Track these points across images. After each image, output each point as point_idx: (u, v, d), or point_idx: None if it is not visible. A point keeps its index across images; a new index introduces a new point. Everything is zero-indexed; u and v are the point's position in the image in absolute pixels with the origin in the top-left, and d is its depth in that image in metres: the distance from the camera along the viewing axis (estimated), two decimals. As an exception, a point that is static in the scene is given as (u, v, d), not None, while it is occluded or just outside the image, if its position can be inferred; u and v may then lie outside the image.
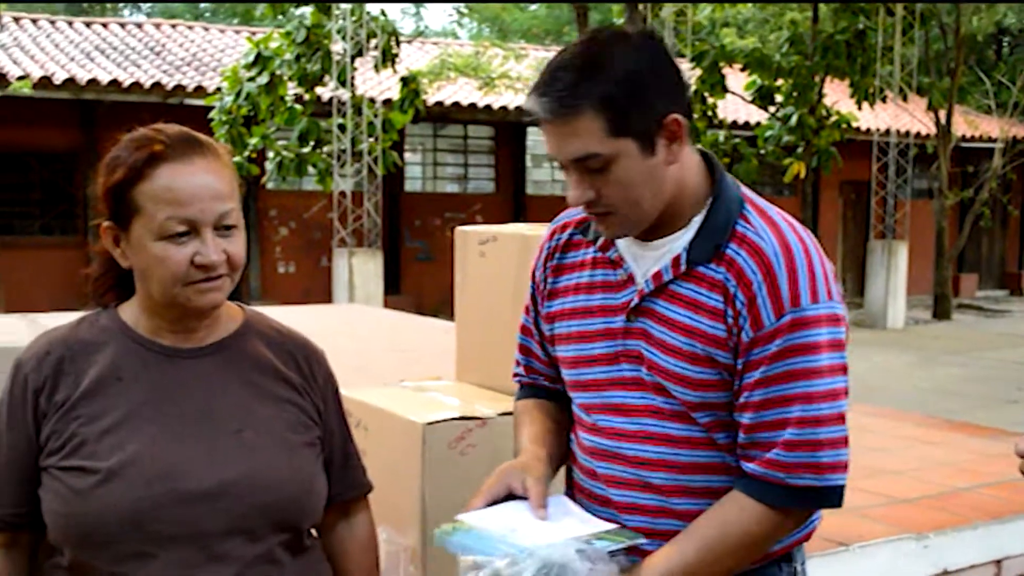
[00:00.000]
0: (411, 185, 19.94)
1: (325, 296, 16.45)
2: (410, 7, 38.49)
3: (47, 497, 1.76)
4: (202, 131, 1.87)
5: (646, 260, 1.92)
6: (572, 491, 2.07)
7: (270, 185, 16.80)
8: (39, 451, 1.77)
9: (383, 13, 15.32)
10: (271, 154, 14.97)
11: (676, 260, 1.87)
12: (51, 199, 16.81)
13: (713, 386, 1.85)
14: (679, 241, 1.88)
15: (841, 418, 1.81)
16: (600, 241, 1.98)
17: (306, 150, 14.94)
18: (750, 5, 20.20)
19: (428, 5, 39.98)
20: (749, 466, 1.82)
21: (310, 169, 15.12)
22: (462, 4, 35.89)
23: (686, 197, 1.88)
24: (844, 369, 1.84)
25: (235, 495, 1.75)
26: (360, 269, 15.26)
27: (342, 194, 15.42)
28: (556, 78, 1.78)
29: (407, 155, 19.43)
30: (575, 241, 2.05)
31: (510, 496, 1.87)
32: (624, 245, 1.95)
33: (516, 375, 2.22)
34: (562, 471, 2.12)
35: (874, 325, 19.02)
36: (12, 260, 15.24)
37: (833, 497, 1.82)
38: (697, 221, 1.88)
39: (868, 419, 5.96)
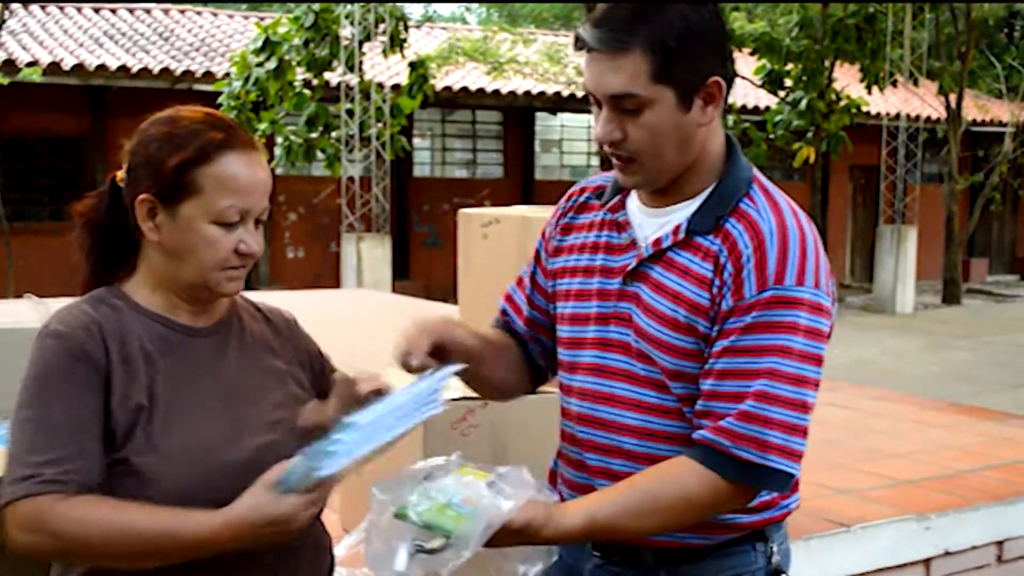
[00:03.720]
0: (420, 170, 19.94)
1: (334, 281, 16.48)
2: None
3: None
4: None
5: (650, 226, 1.94)
6: (557, 459, 2.11)
7: (279, 170, 16.78)
8: (107, 419, 1.75)
9: (391, -2, 15.33)
10: (280, 139, 14.98)
11: (677, 228, 1.89)
12: (61, 185, 16.82)
13: (690, 355, 1.86)
14: (684, 211, 1.91)
15: (803, 406, 1.80)
16: (611, 203, 2.00)
17: (315, 135, 14.96)
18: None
19: (437, -10, 39.90)
20: (698, 433, 1.82)
21: (319, 154, 15.14)
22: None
23: (704, 168, 1.91)
24: (819, 360, 1.82)
25: (267, 463, 1.75)
26: (368, 254, 15.28)
27: (351, 179, 15.43)
28: (614, 11, 1.80)
29: (415, 140, 19.43)
30: (589, 204, 2.08)
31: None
32: (633, 210, 1.98)
33: (494, 321, 2.24)
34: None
35: (883, 310, 19.00)
36: (22, 246, 15.28)
37: (774, 481, 1.80)
38: (705, 194, 1.91)
39: (875, 402, 5.98)
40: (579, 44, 1.84)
